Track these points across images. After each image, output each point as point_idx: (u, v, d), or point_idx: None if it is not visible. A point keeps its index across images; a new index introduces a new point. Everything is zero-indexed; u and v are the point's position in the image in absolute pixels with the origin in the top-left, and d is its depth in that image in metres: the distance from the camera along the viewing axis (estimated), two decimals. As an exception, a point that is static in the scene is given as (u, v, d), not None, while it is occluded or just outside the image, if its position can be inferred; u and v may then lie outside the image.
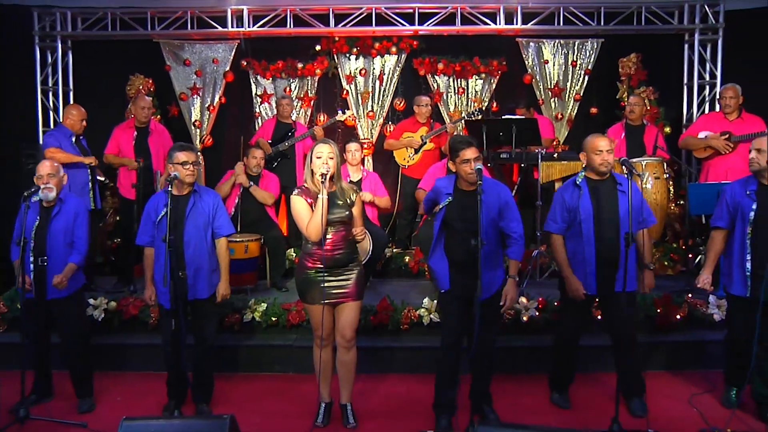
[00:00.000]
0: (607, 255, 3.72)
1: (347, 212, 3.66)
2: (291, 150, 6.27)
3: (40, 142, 6.27)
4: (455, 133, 6.23)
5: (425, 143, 6.31)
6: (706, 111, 6.50)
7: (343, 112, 6.56)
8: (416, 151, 6.34)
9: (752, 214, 3.66)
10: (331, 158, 3.60)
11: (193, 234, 3.90)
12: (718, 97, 5.96)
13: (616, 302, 3.72)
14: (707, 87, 6.62)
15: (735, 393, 3.98)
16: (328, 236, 3.63)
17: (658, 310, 4.74)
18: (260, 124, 6.91)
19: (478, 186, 3.47)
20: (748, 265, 3.68)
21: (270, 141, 6.24)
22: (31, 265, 4.01)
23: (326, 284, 3.67)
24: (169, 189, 3.73)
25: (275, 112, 6.87)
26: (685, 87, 6.74)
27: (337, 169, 3.64)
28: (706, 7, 6.49)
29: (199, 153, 6.67)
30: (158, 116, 6.61)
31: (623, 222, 3.65)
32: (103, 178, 5.68)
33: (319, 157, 3.60)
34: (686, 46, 6.69)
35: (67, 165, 5.06)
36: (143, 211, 4.04)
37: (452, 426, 3.75)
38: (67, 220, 4.07)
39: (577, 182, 3.86)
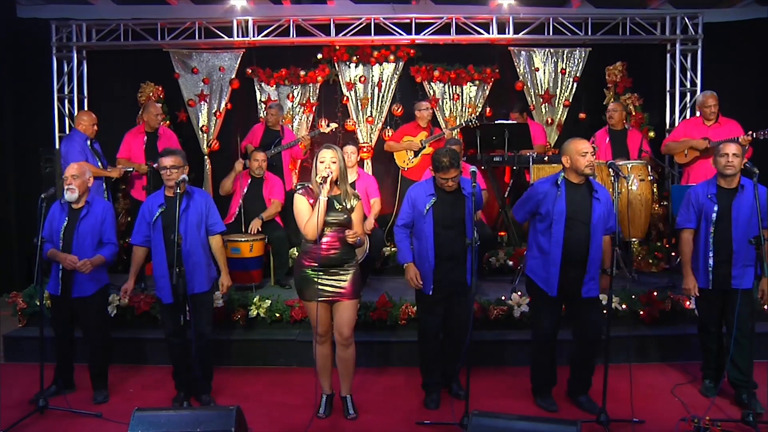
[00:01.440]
0: (574, 258, 3.78)
1: (345, 216, 3.76)
2: (278, 157, 6.35)
3: (57, 146, 6.41)
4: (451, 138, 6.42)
5: (424, 147, 6.45)
6: (688, 116, 6.67)
7: (328, 125, 6.64)
8: (416, 154, 6.49)
9: (714, 215, 3.94)
10: (334, 162, 3.72)
11: (187, 232, 4.00)
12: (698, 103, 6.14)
13: (581, 304, 3.83)
14: (688, 94, 6.80)
15: (710, 383, 4.24)
16: (326, 237, 3.75)
17: (644, 305, 4.90)
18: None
19: (473, 187, 3.71)
20: (711, 260, 3.98)
21: (258, 147, 6.23)
22: (60, 265, 4.13)
23: (321, 282, 3.76)
24: (177, 191, 3.87)
25: (265, 118, 7.04)
26: (668, 94, 6.90)
27: (341, 174, 3.75)
28: (686, 19, 6.68)
29: (206, 157, 6.97)
30: (167, 122, 6.75)
31: (594, 228, 3.75)
32: (131, 168, 5.80)
33: (323, 162, 3.72)
34: (668, 55, 6.86)
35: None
36: (138, 212, 4.19)
37: (440, 398, 4.11)
38: (94, 223, 4.18)
39: (557, 182, 3.88)
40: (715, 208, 3.96)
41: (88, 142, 5.61)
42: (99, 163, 5.65)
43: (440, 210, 3.92)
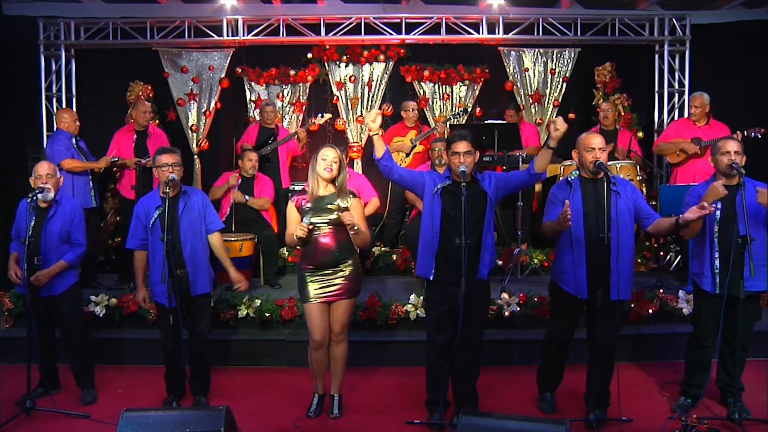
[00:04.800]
0: (597, 257, 3.58)
1: (336, 216, 3.73)
2: (274, 153, 6.38)
3: (45, 145, 6.32)
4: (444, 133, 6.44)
5: (415, 146, 6.48)
6: (676, 117, 6.72)
7: (322, 115, 6.57)
8: (407, 155, 6.51)
9: (718, 213, 3.70)
10: (335, 162, 3.74)
11: (188, 233, 4.00)
12: (686, 104, 6.18)
13: (598, 310, 3.57)
14: (676, 95, 6.85)
15: (688, 400, 4.00)
16: (322, 237, 3.74)
17: (632, 305, 4.92)
18: (255, 128, 7.12)
19: (463, 187, 3.51)
20: (716, 262, 3.75)
21: (254, 146, 6.32)
22: (25, 265, 4.02)
23: (317, 284, 3.78)
24: (167, 191, 3.88)
25: (260, 117, 7.04)
26: (656, 94, 6.95)
27: (341, 173, 3.77)
28: (674, 20, 6.74)
29: (195, 156, 6.96)
30: (157, 120, 6.72)
31: (615, 224, 3.49)
32: (116, 159, 5.70)
33: (325, 159, 3.73)
34: (656, 56, 6.91)
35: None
36: (132, 216, 4.12)
37: (444, 418, 3.78)
38: (63, 222, 4.12)
39: (570, 179, 3.75)
40: (719, 206, 3.70)
41: (74, 140, 5.56)
42: (85, 161, 5.59)
43: (451, 200, 3.61)
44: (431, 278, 3.71)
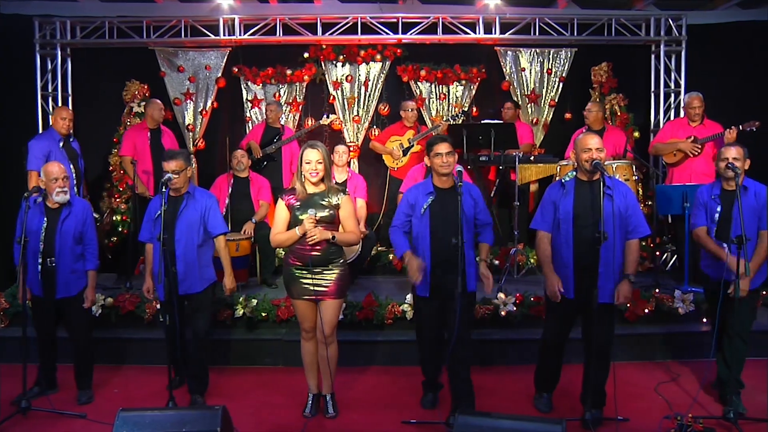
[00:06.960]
0: (586, 259, 3.63)
1: (331, 212, 3.76)
2: (278, 152, 6.42)
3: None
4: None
5: (413, 146, 6.49)
6: (672, 117, 6.74)
7: (328, 116, 6.65)
8: (404, 153, 6.52)
9: (717, 215, 3.95)
10: (320, 163, 3.72)
11: (183, 232, 4.03)
12: (682, 104, 6.18)
13: (593, 311, 3.61)
14: (672, 95, 6.86)
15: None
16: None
17: (628, 305, 4.88)
18: (250, 128, 7.02)
19: (458, 187, 3.60)
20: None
21: (259, 144, 6.39)
22: (39, 266, 4.08)
23: (306, 281, 3.78)
24: (164, 191, 3.90)
25: (265, 116, 7.09)
26: (652, 94, 6.96)
27: (327, 171, 3.77)
28: (670, 21, 6.75)
29: (192, 156, 6.95)
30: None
31: (606, 226, 3.50)
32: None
33: (308, 163, 3.72)
34: (653, 56, 6.93)
35: None
36: (146, 210, 4.22)
37: (438, 399, 3.94)
38: (76, 223, 4.16)
39: (564, 181, 3.80)
40: (718, 209, 3.96)
41: (61, 143, 5.46)
42: (71, 166, 5.43)
43: (438, 209, 3.78)
44: (428, 295, 3.86)
